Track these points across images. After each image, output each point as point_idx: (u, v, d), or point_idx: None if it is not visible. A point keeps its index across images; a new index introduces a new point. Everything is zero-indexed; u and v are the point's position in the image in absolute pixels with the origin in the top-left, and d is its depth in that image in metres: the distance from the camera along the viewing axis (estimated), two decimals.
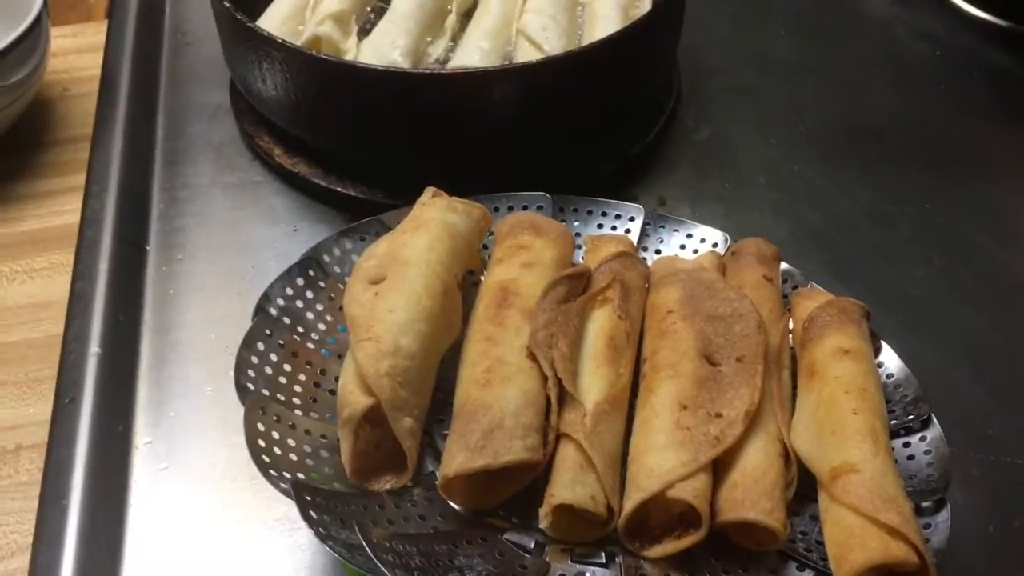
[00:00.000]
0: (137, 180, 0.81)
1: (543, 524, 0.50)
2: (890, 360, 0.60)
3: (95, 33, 0.98)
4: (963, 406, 0.65)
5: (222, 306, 0.72)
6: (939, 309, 0.72)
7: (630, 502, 0.50)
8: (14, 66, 0.80)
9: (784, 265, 0.66)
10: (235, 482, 0.62)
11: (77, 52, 0.97)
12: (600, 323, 0.59)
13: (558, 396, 0.53)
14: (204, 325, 0.71)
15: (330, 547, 0.44)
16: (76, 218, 0.78)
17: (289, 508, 0.60)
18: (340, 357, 0.57)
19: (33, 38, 0.81)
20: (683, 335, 0.58)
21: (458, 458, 0.49)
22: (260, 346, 0.55)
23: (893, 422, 0.56)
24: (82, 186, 0.80)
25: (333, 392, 0.56)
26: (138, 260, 0.75)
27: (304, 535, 0.59)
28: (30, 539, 0.59)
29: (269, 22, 0.82)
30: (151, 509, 0.60)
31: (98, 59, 0.93)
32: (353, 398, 0.50)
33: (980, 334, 0.71)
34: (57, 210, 0.81)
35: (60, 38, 0.95)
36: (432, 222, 0.60)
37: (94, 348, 0.67)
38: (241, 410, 0.64)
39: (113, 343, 0.68)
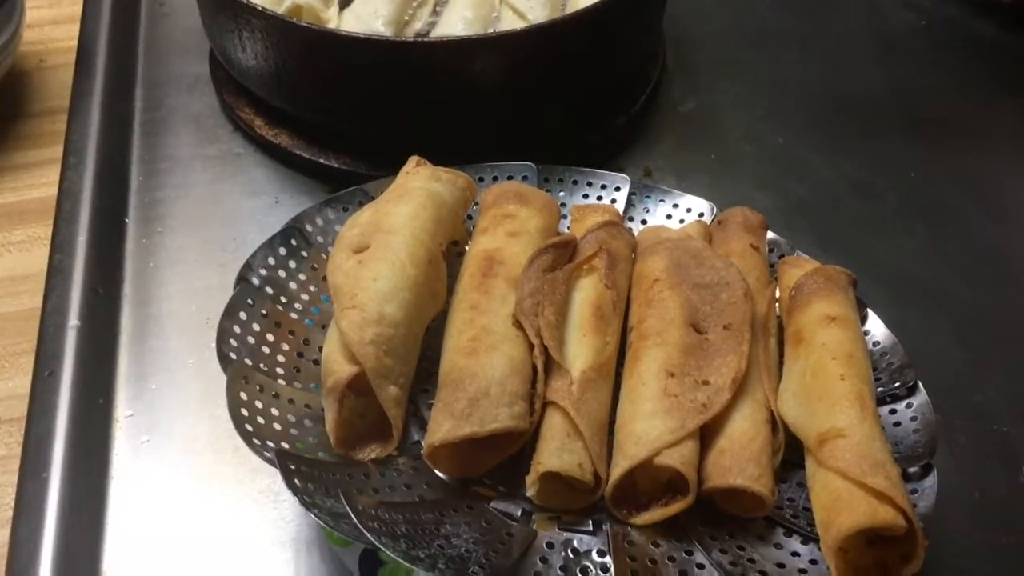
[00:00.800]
0: (116, 152, 0.80)
1: (530, 492, 0.50)
2: (876, 328, 0.60)
3: (71, 4, 0.96)
4: (948, 374, 0.65)
5: (203, 278, 0.71)
6: (924, 279, 0.72)
7: (617, 469, 0.50)
8: None
9: (770, 234, 0.66)
10: (218, 454, 0.61)
11: (53, 23, 0.95)
12: (586, 292, 0.58)
13: (544, 364, 0.53)
14: (185, 297, 0.70)
15: (315, 515, 0.44)
16: (53, 191, 0.77)
17: (273, 480, 0.60)
18: (323, 327, 0.57)
19: (8, 8, 0.80)
20: (670, 303, 0.57)
21: (444, 426, 0.49)
22: (242, 315, 0.54)
23: (879, 389, 0.55)
24: (59, 159, 0.79)
25: (316, 362, 0.55)
26: (117, 233, 0.74)
27: (288, 507, 0.59)
28: (9, 513, 0.58)
29: None
30: (133, 482, 0.59)
31: (74, 30, 0.92)
32: (337, 367, 0.50)
33: (964, 303, 0.71)
34: (34, 183, 0.79)
35: (35, 8, 0.94)
36: (416, 191, 0.59)
37: (73, 321, 0.66)
38: (223, 382, 0.63)
39: (92, 316, 0.67)
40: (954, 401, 0.63)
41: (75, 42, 0.90)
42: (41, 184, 0.79)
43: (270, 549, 0.57)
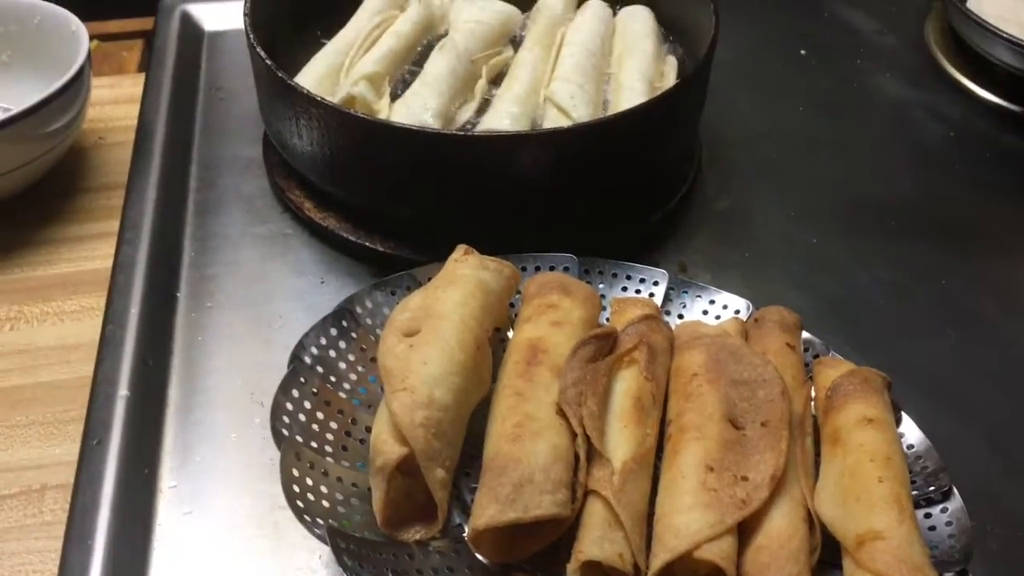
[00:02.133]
0: (169, 228, 0.83)
1: None
2: (911, 431, 0.61)
3: (132, 85, 1.00)
4: (981, 480, 0.65)
5: (249, 354, 0.73)
6: (955, 383, 0.73)
7: (657, 560, 0.50)
8: (56, 114, 0.82)
9: (805, 334, 0.68)
10: (258, 529, 0.62)
11: (113, 103, 0.99)
12: (627, 383, 0.60)
13: (587, 453, 0.54)
14: (231, 372, 0.72)
15: None
16: (107, 263, 0.79)
17: (310, 557, 0.61)
18: (370, 407, 0.58)
19: (75, 88, 0.84)
20: (708, 398, 0.59)
21: (489, 510, 0.50)
22: (295, 393, 0.56)
23: (914, 493, 0.56)
24: (114, 232, 0.82)
25: (363, 441, 0.56)
26: (168, 306, 0.76)
27: None
28: None
29: (306, 80, 0.85)
30: (174, 553, 0.60)
31: (133, 110, 0.96)
32: (387, 447, 0.51)
33: (997, 409, 0.71)
34: (88, 255, 0.82)
35: (97, 88, 0.97)
36: (465, 278, 0.62)
37: (123, 391, 0.68)
38: (265, 458, 0.65)
39: (141, 387, 0.69)
40: (986, 507, 0.63)
41: (134, 121, 0.94)
42: (96, 256, 0.82)
43: None
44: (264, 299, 0.78)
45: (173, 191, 0.86)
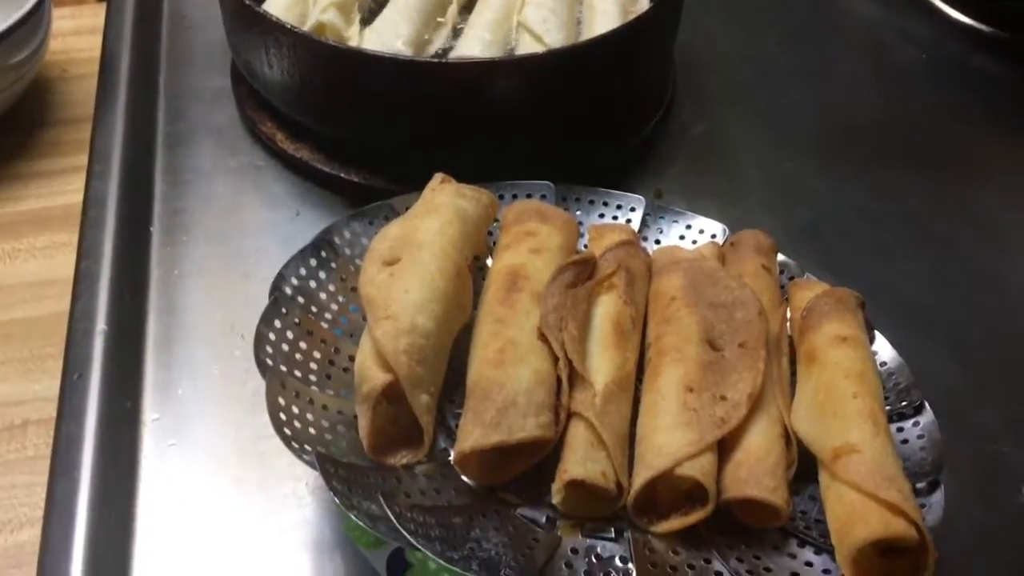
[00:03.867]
0: (139, 162, 0.81)
1: (555, 499, 0.51)
2: (884, 349, 0.62)
3: (93, 15, 0.98)
4: (950, 396, 0.67)
5: (226, 287, 0.73)
6: (926, 304, 0.75)
7: (639, 479, 0.51)
8: (17, 46, 0.80)
9: (780, 257, 0.68)
10: (243, 459, 0.63)
11: (75, 34, 0.97)
12: (606, 308, 0.60)
13: (568, 376, 0.55)
14: (209, 306, 0.71)
15: (354, 516, 0.45)
16: (77, 198, 0.78)
17: (296, 484, 0.62)
18: (352, 336, 0.58)
19: (36, 19, 0.82)
20: (687, 321, 0.59)
21: (474, 434, 0.51)
22: (277, 324, 0.56)
23: (887, 408, 0.58)
24: (82, 166, 0.81)
25: (346, 370, 0.57)
26: (142, 240, 0.75)
27: (312, 510, 0.60)
28: (38, 512, 0.59)
29: (273, 7, 0.83)
30: (161, 484, 0.61)
31: (96, 41, 0.93)
32: (372, 374, 0.51)
33: (965, 328, 0.73)
34: (58, 190, 0.81)
35: (58, 20, 0.95)
36: (443, 206, 0.62)
37: (101, 326, 0.68)
38: (247, 390, 0.66)
39: (119, 321, 0.69)
40: (955, 422, 0.65)
41: (97, 53, 0.92)
42: (66, 191, 0.81)
43: (295, 552, 0.59)
44: (239, 232, 0.77)
45: (141, 124, 0.85)
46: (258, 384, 0.63)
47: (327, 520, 0.60)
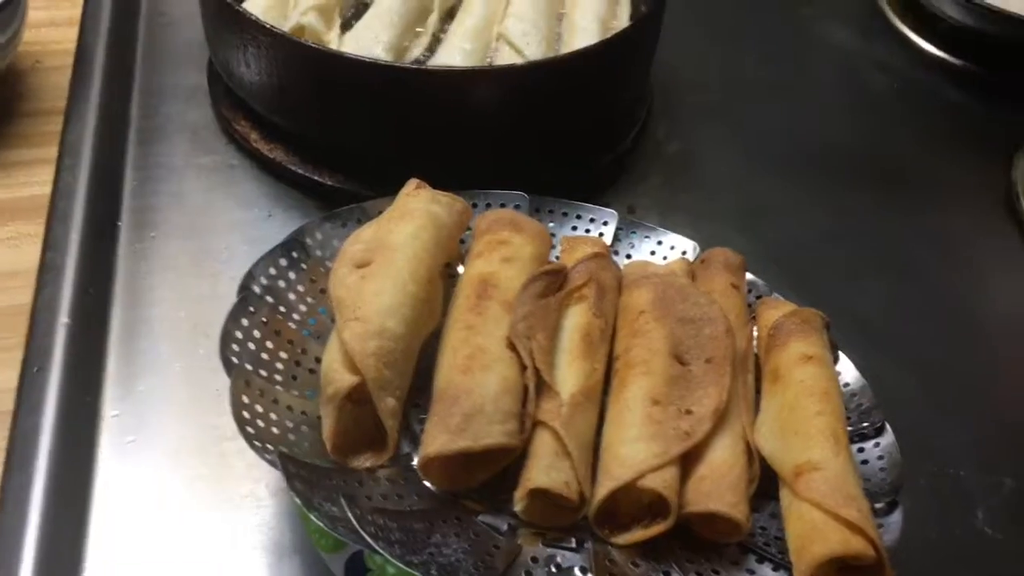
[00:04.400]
0: (110, 156, 0.81)
1: (517, 507, 0.51)
2: (847, 370, 0.63)
3: (70, 7, 0.97)
4: (911, 419, 0.67)
5: (194, 286, 0.72)
6: (891, 327, 0.76)
7: (602, 489, 0.51)
8: None
9: (749, 276, 0.69)
10: (203, 459, 0.62)
11: (50, 25, 0.95)
12: (576, 319, 0.60)
13: (536, 385, 0.55)
14: (175, 303, 0.71)
15: (315, 518, 0.45)
16: (45, 190, 0.77)
17: (256, 485, 0.61)
18: (320, 338, 0.58)
19: (11, 8, 0.81)
20: (655, 335, 0.59)
21: (439, 439, 0.50)
22: (244, 322, 0.55)
23: (849, 429, 0.58)
24: (52, 159, 0.80)
25: (312, 371, 0.56)
26: (110, 235, 0.75)
27: (271, 513, 0.60)
28: None
29: (253, 7, 0.83)
30: (118, 480, 0.60)
31: (71, 33, 0.92)
32: (338, 376, 0.51)
33: (928, 353, 0.74)
34: (26, 181, 0.80)
35: (33, 10, 0.94)
36: (417, 211, 0.61)
37: (63, 319, 0.67)
38: (210, 389, 0.65)
39: (83, 315, 0.68)
40: (915, 444, 0.65)
41: (72, 45, 0.91)
42: (34, 183, 0.79)
43: (252, 554, 0.58)
44: (209, 231, 0.77)
45: (114, 118, 0.84)
46: (221, 384, 0.62)
47: (286, 523, 0.60)
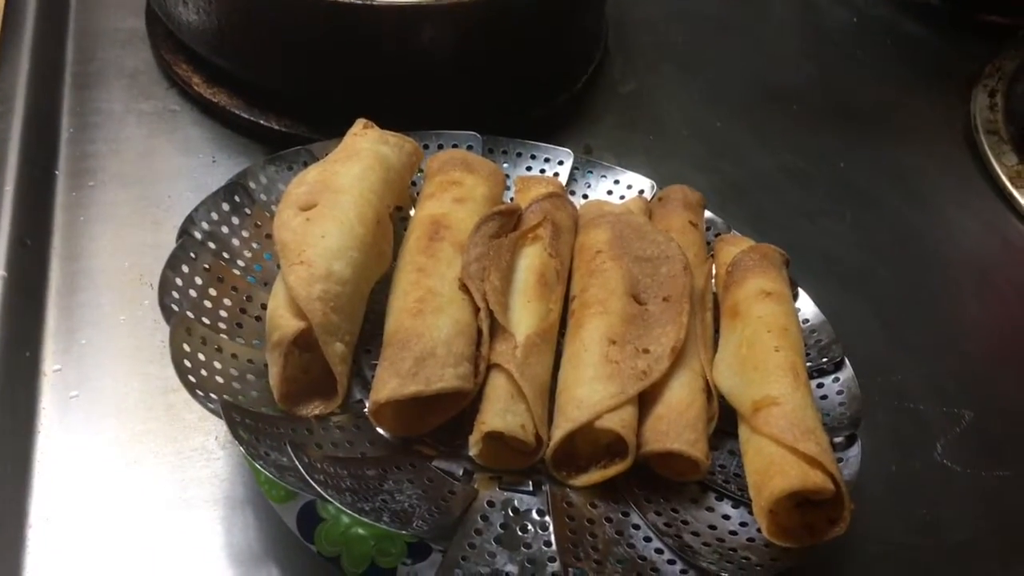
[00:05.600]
0: (45, 102, 0.77)
1: (473, 451, 0.50)
2: (806, 306, 0.62)
3: None
4: (871, 354, 0.67)
5: (136, 235, 0.70)
6: (849, 262, 0.75)
7: (559, 431, 0.51)
8: None
9: (707, 214, 0.68)
10: (150, 412, 0.60)
11: None
12: (531, 259, 0.59)
13: (489, 327, 0.53)
14: (117, 253, 0.68)
15: (260, 467, 0.44)
16: None
17: (206, 438, 0.59)
18: (266, 285, 0.56)
19: None
20: (612, 274, 0.58)
21: (390, 384, 0.49)
22: (184, 268, 0.53)
23: (808, 364, 0.57)
24: None
25: (259, 319, 0.55)
26: (46, 184, 0.71)
27: (222, 465, 0.58)
28: None
29: None
30: (61, 437, 0.58)
31: None
32: (284, 321, 0.49)
33: (888, 288, 0.74)
34: None
35: None
36: (364, 152, 0.59)
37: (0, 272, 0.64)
38: (156, 340, 0.63)
39: (19, 268, 0.65)
40: (874, 379, 0.66)
41: None
42: None
43: (203, 507, 0.56)
44: (151, 178, 0.74)
45: (48, 63, 0.80)
46: (167, 335, 0.60)
47: (239, 475, 0.58)
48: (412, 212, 0.63)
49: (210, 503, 0.57)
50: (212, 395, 0.47)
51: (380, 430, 0.51)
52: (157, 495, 0.57)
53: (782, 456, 0.48)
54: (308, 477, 0.43)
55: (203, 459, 0.58)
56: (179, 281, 0.52)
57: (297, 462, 0.44)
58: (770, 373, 0.51)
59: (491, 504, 0.49)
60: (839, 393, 0.57)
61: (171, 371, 0.58)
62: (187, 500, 0.57)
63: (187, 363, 0.48)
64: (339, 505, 0.43)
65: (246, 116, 0.77)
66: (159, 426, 0.59)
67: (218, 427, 0.60)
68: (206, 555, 0.55)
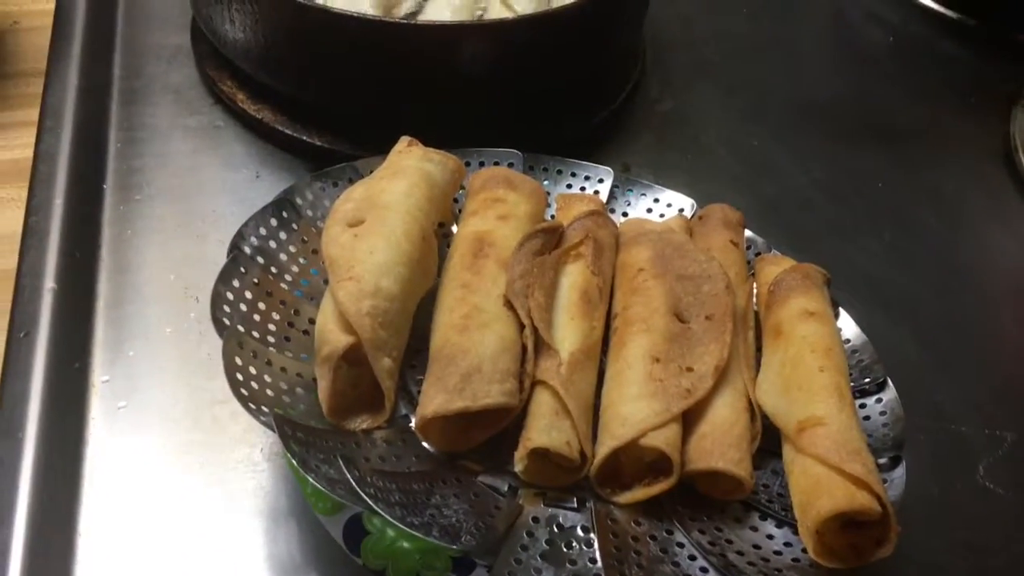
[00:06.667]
0: (93, 118, 0.79)
1: (518, 468, 0.50)
2: (847, 326, 0.62)
3: None
4: (909, 374, 0.67)
5: (181, 248, 0.71)
6: (887, 282, 0.75)
7: (604, 448, 0.51)
8: None
9: (747, 232, 0.68)
10: (196, 423, 0.61)
11: None
12: (573, 277, 0.59)
13: (534, 344, 0.54)
14: (163, 266, 0.69)
15: (312, 479, 0.44)
16: (26, 153, 0.76)
17: (252, 450, 0.60)
18: (312, 299, 0.57)
19: None
20: (654, 292, 0.59)
21: (437, 399, 0.49)
22: (235, 283, 0.54)
23: (851, 384, 0.57)
24: (32, 121, 0.78)
25: (306, 333, 0.55)
26: (94, 198, 0.73)
27: (267, 477, 0.59)
28: None
29: None
30: (109, 447, 0.59)
31: None
32: (333, 336, 0.50)
33: (927, 307, 0.74)
34: (6, 144, 0.78)
35: None
36: (409, 169, 0.60)
37: (49, 283, 0.66)
38: (201, 353, 0.64)
39: (69, 279, 0.67)
40: (915, 401, 0.65)
41: (50, 5, 0.89)
42: (15, 146, 0.77)
43: (248, 519, 0.57)
44: (196, 193, 0.75)
45: (96, 79, 0.82)
46: (212, 347, 0.61)
47: (282, 487, 0.59)
48: (455, 229, 0.64)
49: (254, 514, 0.57)
50: (264, 408, 0.48)
51: (425, 444, 0.51)
52: (202, 505, 0.57)
53: (828, 477, 0.48)
54: (360, 490, 0.43)
55: (248, 471, 0.59)
56: (230, 295, 0.53)
57: (348, 475, 0.44)
58: (815, 393, 0.52)
59: (536, 520, 0.49)
60: (882, 414, 0.57)
61: (216, 383, 0.59)
62: (232, 511, 0.57)
63: (239, 376, 0.49)
64: (391, 519, 0.43)
65: (289, 132, 0.78)
66: (205, 437, 0.60)
67: (262, 439, 0.60)
68: (250, 566, 0.56)
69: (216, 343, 0.51)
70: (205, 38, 0.83)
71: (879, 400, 0.58)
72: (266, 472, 0.59)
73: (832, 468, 0.48)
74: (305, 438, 0.47)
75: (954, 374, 0.69)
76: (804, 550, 0.49)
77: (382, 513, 0.43)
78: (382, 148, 0.65)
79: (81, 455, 0.58)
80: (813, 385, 0.52)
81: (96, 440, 0.59)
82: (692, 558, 0.49)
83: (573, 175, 0.71)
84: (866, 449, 0.50)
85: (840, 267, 0.70)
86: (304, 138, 0.78)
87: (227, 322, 0.52)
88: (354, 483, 0.44)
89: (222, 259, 0.57)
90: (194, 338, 0.65)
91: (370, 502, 0.43)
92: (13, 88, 0.83)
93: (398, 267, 0.53)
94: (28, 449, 0.57)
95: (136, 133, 0.79)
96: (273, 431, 0.46)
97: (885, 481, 0.52)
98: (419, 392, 0.54)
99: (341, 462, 0.45)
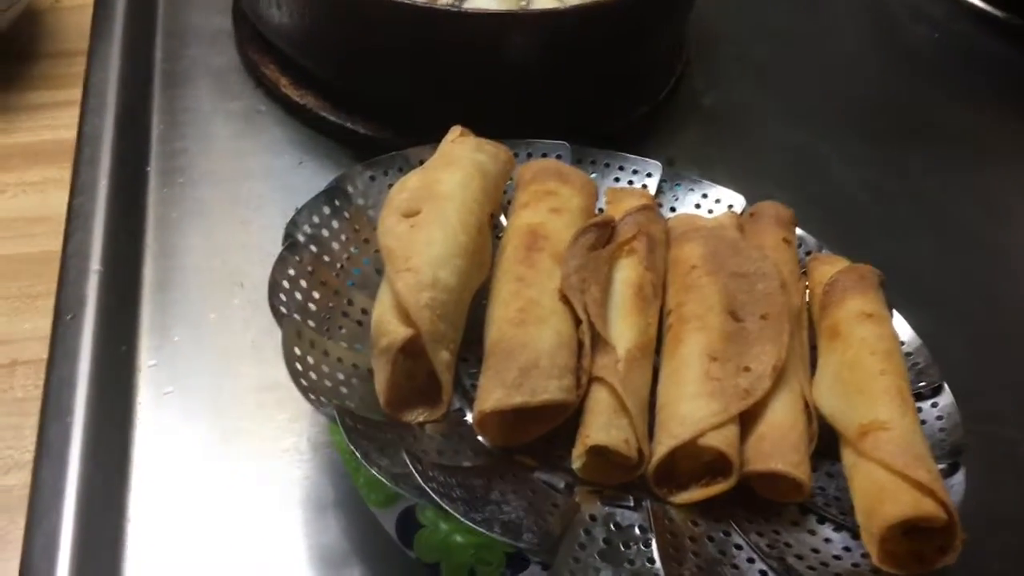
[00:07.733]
0: (136, 99, 0.78)
1: (576, 465, 0.50)
2: (902, 328, 0.61)
3: None
4: (961, 380, 0.66)
5: (225, 233, 0.70)
6: (938, 285, 0.74)
7: (662, 447, 0.50)
8: None
9: (798, 231, 0.67)
10: (242, 410, 0.61)
11: None
12: (626, 273, 0.59)
13: (591, 340, 0.53)
14: (207, 251, 0.69)
15: (376, 473, 0.44)
16: (70, 133, 0.75)
17: (299, 439, 0.60)
18: (365, 289, 0.56)
19: None
20: (708, 290, 0.58)
21: (495, 394, 0.49)
22: (291, 271, 0.53)
23: None
24: (75, 101, 0.78)
25: (360, 323, 0.55)
26: (138, 180, 0.73)
27: (313, 467, 0.59)
28: (27, 456, 0.57)
29: None
30: (157, 432, 0.59)
31: None
32: (392, 327, 0.49)
33: (976, 310, 0.73)
34: (50, 123, 0.78)
35: None
36: (463, 159, 0.59)
37: (95, 266, 0.65)
38: (246, 338, 0.64)
39: (115, 262, 0.66)
40: (965, 406, 0.64)
41: None
42: (58, 126, 0.77)
43: (296, 509, 0.57)
44: (239, 177, 0.75)
45: (138, 60, 0.82)
46: (256, 334, 0.61)
47: (329, 477, 0.58)
48: (503, 220, 0.63)
49: (302, 504, 0.57)
50: (323, 399, 0.47)
51: (481, 439, 0.51)
52: (250, 495, 0.57)
53: (893, 482, 0.47)
54: (424, 485, 0.43)
55: (295, 460, 0.59)
56: (286, 284, 0.53)
57: (413, 469, 0.44)
58: (877, 397, 0.51)
59: (593, 518, 0.49)
60: (939, 419, 0.56)
61: (262, 370, 0.59)
62: (279, 500, 0.57)
63: (299, 367, 0.48)
64: (456, 514, 0.43)
65: (333, 119, 0.78)
66: (251, 425, 0.60)
67: (309, 428, 0.60)
68: (297, 556, 0.55)
69: (260, 330, 0.51)
70: (247, 20, 0.82)
71: (935, 404, 0.57)
72: (312, 462, 0.59)
73: (896, 474, 0.47)
74: (365, 430, 0.47)
75: (1005, 379, 0.68)
76: (864, 555, 0.48)
77: (448, 508, 0.43)
78: (426, 137, 0.65)
79: (129, 440, 0.58)
80: (874, 388, 0.51)
81: (144, 425, 0.59)
82: (751, 560, 0.48)
83: (621, 168, 0.70)
84: (929, 455, 0.49)
85: (889, 268, 0.69)
86: (348, 125, 0.77)
87: (284, 311, 0.51)
88: (419, 478, 0.43)
89: (267, 245, 0.57)
90: (239, 325, 0.64)
91: (436, 497, 0.43)
92: (56, 68, 0.83)
93: (455, 259, 0.53)
94: (76, 432, 0.57)
95: (178, 116, 0.78)
96: (334, 422, 0.45)
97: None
98: (472, 385, 0.53)
99: (406, 456, 0.44)
